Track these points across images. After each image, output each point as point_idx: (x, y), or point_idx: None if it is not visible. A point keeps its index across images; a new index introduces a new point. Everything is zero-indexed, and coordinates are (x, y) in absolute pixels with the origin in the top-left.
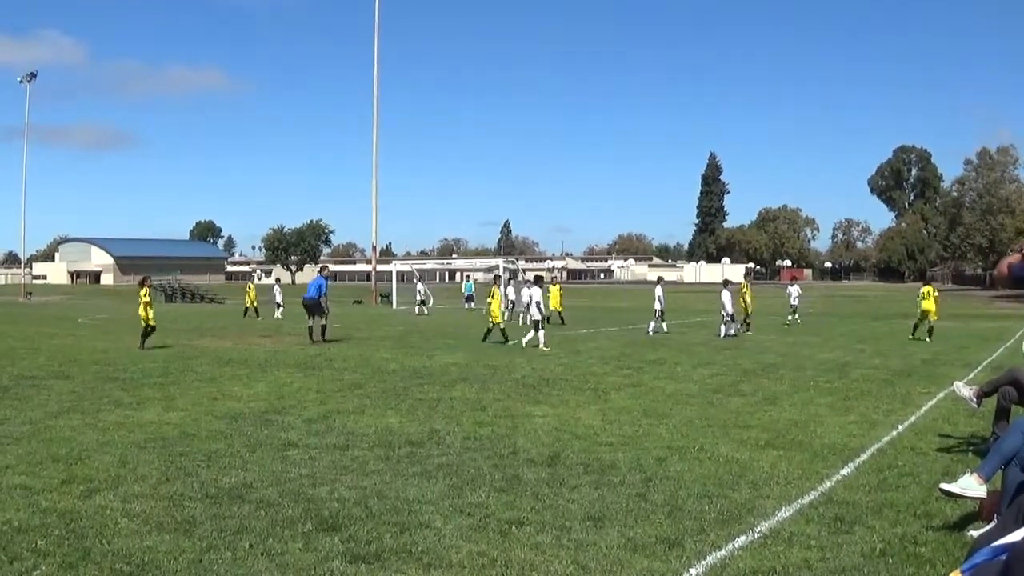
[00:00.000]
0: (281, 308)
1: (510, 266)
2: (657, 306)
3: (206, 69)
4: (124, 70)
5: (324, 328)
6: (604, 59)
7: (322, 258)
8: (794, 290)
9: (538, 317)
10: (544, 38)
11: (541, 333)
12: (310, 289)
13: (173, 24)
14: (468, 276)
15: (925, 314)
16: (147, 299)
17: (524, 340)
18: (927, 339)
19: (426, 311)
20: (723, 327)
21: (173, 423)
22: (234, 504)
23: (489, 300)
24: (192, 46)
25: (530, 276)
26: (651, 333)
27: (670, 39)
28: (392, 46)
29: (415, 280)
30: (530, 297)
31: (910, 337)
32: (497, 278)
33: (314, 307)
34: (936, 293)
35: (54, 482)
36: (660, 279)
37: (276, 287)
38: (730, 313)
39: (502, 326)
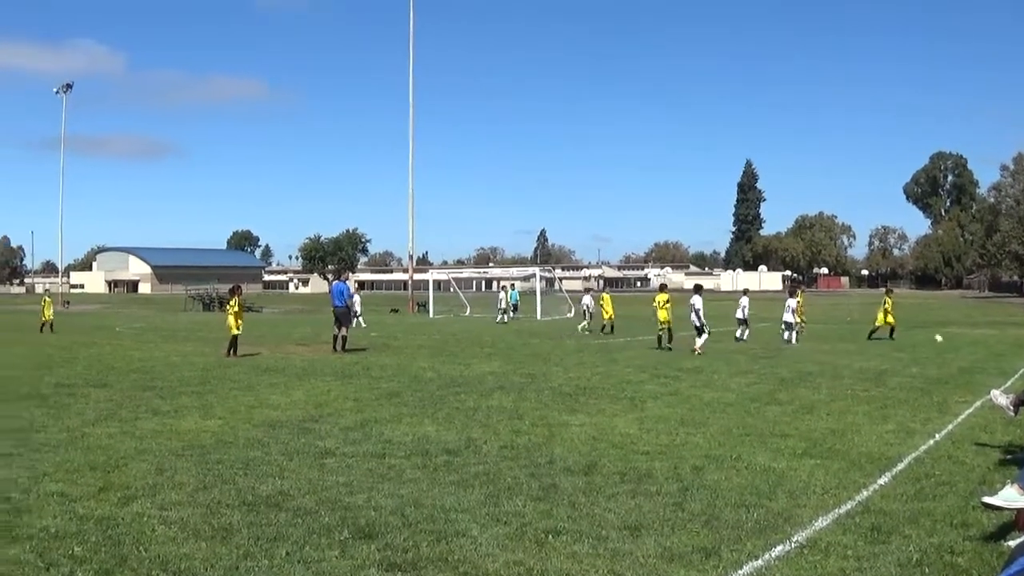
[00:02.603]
0: (360, 317)
1: (546, 275)
2: (740, 315)
3: (245, 79)
4: (162, 80)
5: (345, 339)
6: (641, 66)
7: (359, 267)
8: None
9: (699, 323)
10: (581, 45)
11: (704, 337)
12: (336, 297)
13: (212, 34)
14: (513, 285)
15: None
16: (235, 309)
17: (698, 344)
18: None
19: (506, 319)
20: (787, 334)
21: (210, 431)
22: (271, 512)
23: (666, 306)
24: (231, 56)
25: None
26: (740, 339)
27: (707, 46)
28: (428, 55)
29: (500, 290)
30: (691, 305)
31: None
32: (663, 287)
33: (344, 315)
34: (886, 304)
35: (91, 489)
36: (746, 290)
37: (356, 296)
38: (789, 320)
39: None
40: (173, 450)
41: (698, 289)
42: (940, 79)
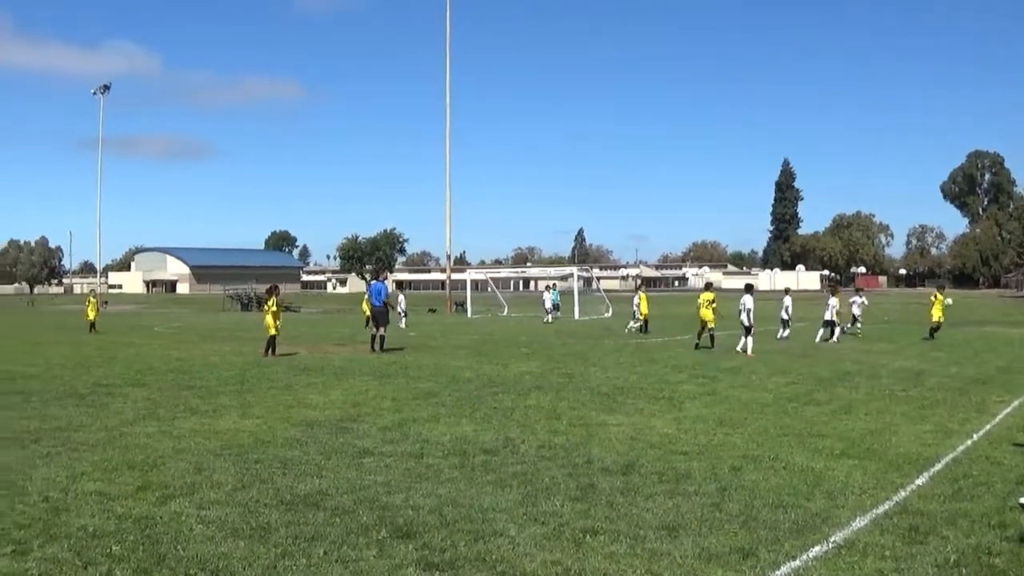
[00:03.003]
0: (406, 317)
1: (584, 274)
2: (784, 315)
3: (281, 80)
4: (198, 80)
5: (383, 339)
6: (677, 65)
7: (397, 267)
8: (858, 299)
9: (748, 323)
10: (617, 44)
11: (749, 339)
12: (374, 297)
13: (248, 35)
14: (555, 285)
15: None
16: (273, 308)
17: (738, 346)
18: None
19: (551, 319)
20: (823, 331)
21: (249, 430)
22: (309, 511)
23: (710, 306)
24: (266, 56)
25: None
26: (782, 338)
27: (742, 45)
28: (466, 53)
29: (545, 290)
30: (742, 304)
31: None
32: (709, 286)
33: (382, 315)
34: (935, 299)
35: (129, 488)
36: (787, 289)
37: (401, 296)
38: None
39: (713, 329)
40: (211, 449)
41: (749, 288)
42: (977, 77)
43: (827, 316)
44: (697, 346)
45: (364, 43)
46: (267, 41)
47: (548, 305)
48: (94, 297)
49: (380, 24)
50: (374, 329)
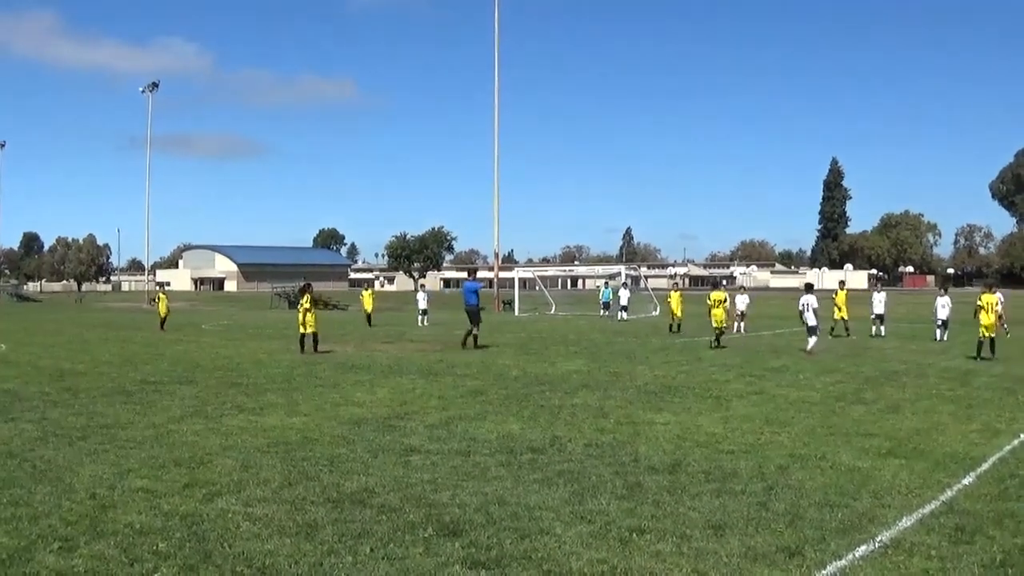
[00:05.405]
0: (427, 316)
1: (632, 272)
2: (880, 311)
3: (333, 78)
4: (250, 79)
5: (476, 336)
6: (728, 64)
7: (445, 265)
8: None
9: (813, 323)
10: (665, 43)
11: (815, 339)
12: (469, 295)
13: (301, 34)
14: (606, 283)
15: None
16: (307, 306)
17: (810, 345)
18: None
19: (625, 316)
20: (939, 331)
21: (296, 428)
22: (356, 509)
23: (721, 305)
24: (320, 55)
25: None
26: (882, 335)
27: (792, 44)
28: (515, 51)
29: (622, 287)
30: (806, 304)
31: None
32: (716, 286)
33: (475, 313)
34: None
35: (176, 486)
36: (809, 286)
37: (421, 293)
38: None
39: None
40: (258, 447)
41: (809, 288)
42: None
43: (942, 316)
44: (712, 346)
45: (416, 42)
46: (321, 40)
47: (624, 302)
48: (164, 294)
49: (432, 24)
50: (475, 328)
